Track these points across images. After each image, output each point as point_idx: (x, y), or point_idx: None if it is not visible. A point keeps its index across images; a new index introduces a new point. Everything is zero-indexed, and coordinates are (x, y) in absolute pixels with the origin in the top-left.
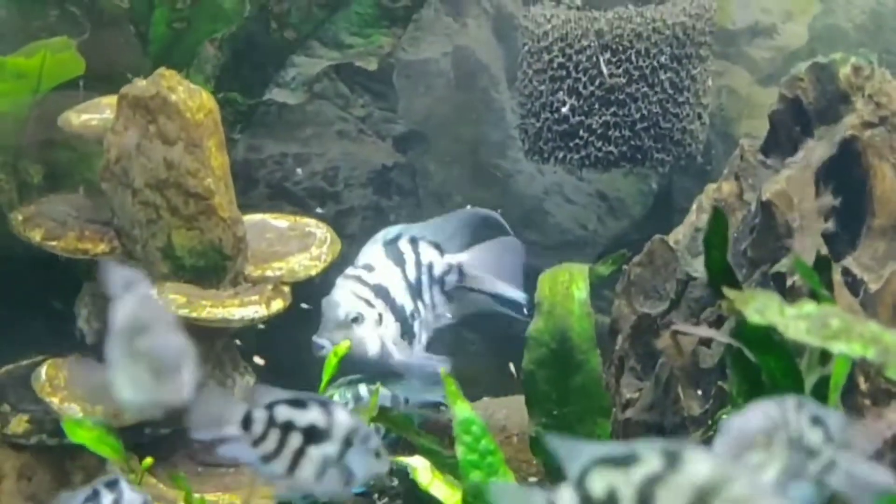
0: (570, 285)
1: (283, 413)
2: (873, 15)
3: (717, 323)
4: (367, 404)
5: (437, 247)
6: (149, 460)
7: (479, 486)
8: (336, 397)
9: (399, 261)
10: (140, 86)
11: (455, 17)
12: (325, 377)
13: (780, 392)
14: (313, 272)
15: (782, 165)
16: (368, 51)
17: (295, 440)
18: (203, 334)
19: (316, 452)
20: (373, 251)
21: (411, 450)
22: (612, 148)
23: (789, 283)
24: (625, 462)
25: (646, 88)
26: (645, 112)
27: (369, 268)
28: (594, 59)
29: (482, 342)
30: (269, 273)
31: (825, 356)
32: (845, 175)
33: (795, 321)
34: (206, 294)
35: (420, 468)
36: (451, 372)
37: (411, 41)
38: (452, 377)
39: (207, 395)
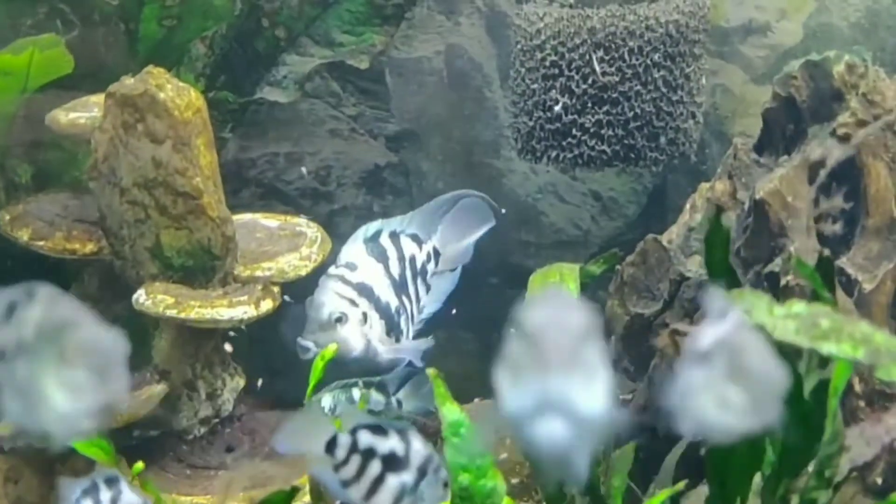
0: (560, 285)
1: (366, 439)
2: (868, 13)
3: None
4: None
5: (417, 238)
6: (140, 465)
7: (468, 488)
8: (328, 400)
9: (381, 257)
10: (128, 83)
11: (448, 15)
12: (313, 380)
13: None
14: (303, 272)
15: (776, 164)
16: (360, 49)
17: (375, 467)
18: (192, 335)
19: (394, 481)
20: (354, 249)
21: None
22: (605, 147)
23: (783, 282)
24: None
25: (639, 87)
26: (638, 111)
27: (352, 266)
28: (587, 57)
29: (476, 342)
30: (258, 273)
31: (825, 359)
32: (839, 173)
33: (784, 321)
34: (194, 294)
35: None
36: (442, 371)
37: (404, 39)
38: (442, 378)
39: (300, 414)
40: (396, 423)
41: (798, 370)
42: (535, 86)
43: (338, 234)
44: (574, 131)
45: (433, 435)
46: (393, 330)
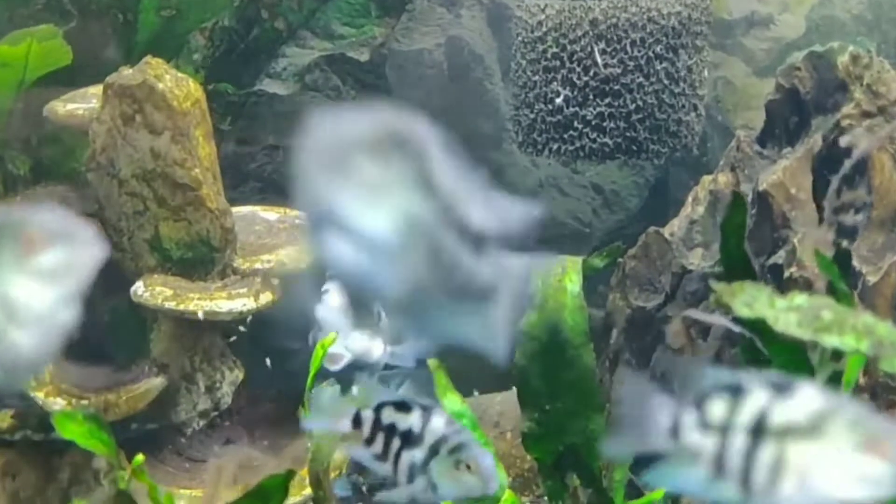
0: (563, 278)
1: (388, 415)
2: (871, 5)
3: (702, 335)
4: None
5: None
6: (140, 457)
7: None
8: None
9: None
10: (126, 74)
11: (449, 7)
12: (313, 370)
13: None
14: (303, 264)
15: (779, 156)
16: (361, 41)
17: (395, 443)
18: (191, 327)
19: (406, 457)
20: None
21: None
22: (606, 139)
23: (786, 274)
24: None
25: (641, 79)
26: (640, 103)
27: None
28: (589, 49)
29: None
30: (258, 265)
31: (838, 351)
32: (842, 165)
33: (786, 314)
34: (193, 287)
35: None
36: (442, 367)
37: (404, 32)
38: (443, 370)
39: (323, 392)
40: (422, 400)
41: (810, 362)
42: (537, 78)
43: None
44: (576, 123)
45: None
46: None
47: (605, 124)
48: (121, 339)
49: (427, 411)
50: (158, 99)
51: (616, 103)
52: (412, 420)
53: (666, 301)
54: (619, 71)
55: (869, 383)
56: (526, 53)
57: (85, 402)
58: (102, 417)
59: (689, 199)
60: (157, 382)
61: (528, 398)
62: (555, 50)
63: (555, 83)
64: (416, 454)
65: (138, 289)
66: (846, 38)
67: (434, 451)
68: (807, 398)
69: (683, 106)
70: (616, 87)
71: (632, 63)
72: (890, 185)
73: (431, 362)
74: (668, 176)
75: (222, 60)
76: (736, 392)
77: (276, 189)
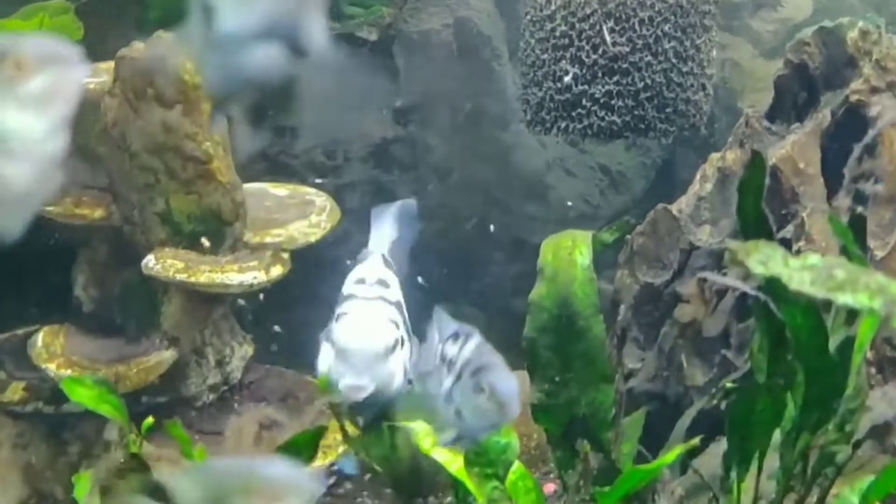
0: (573, 251)
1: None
2: None
3: (722, 292)
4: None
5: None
6: (150, 419)
7: (482, 444)
8: None
9: (392, 269)
10: (138, 47)
11: None
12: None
13: (802, 350)
14: (313, 239)
15: (787, 131)
16: (369, 21)
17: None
18: (201, 300)
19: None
20: (375, 263)
21: None
22: (615, 118)
23: (795, 248)
24: None
25: (649, 58)
26: (648, 81)
27: (384, 283)
28: (597, 27)
29: (482, 316)
30: (268, 240)
31: (852, 315)
32: (851, 140)
33: (800, 272)
34: (204, 259)
35: (422, 433)
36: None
37: (412, 12)
38: None
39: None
40: (466, 327)
41: (825, 324)
42: (546, 56)
43: (345, 209)
44: (584, 102)
45: None
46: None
47: (613, 103)
48: (131, 313)
49: (465, 337)
50: (170, 72)
51: (624, 81)
52: (454, 349)
53: (674, 277)
54: (627, 49)
55: (876, 358)
56: (535, 32)
57: (97, 373)
58: (111, 382)
59: (698, 176)
60: (167, 355)
61: (537, 370)
62: (563, 28)
63: (563, 61)
64: (448, 381)
65: (149, 261)
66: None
67: (459, 376)
68: None
69: (692, 85)
70: (624, 66)
71: (640, 41)
72: None
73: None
74: (675, 158)
75: None
76: None
77: (282, 169)
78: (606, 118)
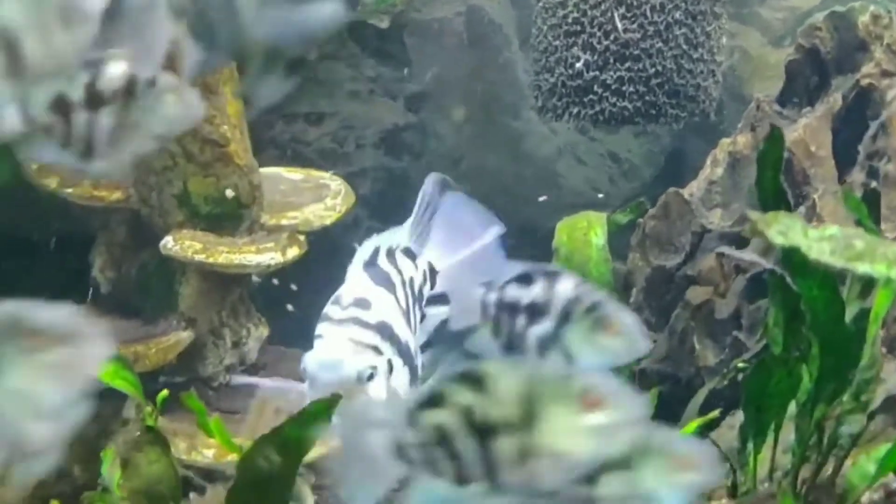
0: (588, 232)
1: (511, 293)
2: None
3: (733, 274)
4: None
5: (410, 254)
6: (164, 392)
7: None
8: None
9: (389, 285)
10: None
11: None
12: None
13: (817, 322)
14: (328, 221)
15: (799, 115)
16: (381, 9)
17: (521, 321)
18: (218, 282)
19: (534, 332)
20: (359, 279)
21: None
22: (626, 103)
23: None
24: None
25: (660, 44)
26: (659, 68)
27: (364, 303)
28: (609, 14)
29: None
30: (284, 222)
31: (867, 289)
32: (862, 123)
33: (819, 242)
34: (222, 241)
35: None
36: None
37: (424, 0)
38: None
39: None
40: (543, 266)
41: (841, 296)
42: (558, 43)
43: (356, 196)
44: (595, 88)
45: None
46: (413, 376)
47: (624, 88)
48: (149, 294)
49: (551, 277)
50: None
51: (636, 68)
52: (535, 291)
53: (685, 260)
54: (638, 36)
55: (886, 337)
56: (547, 19)
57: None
58: (127, 358)
59: (708, 160)
60: (185, 336)
61: None
62: (575, 15)
63: (575, 48)
64: (545, 325)
65: (167, 242)
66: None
67: (565, 316)
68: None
69: (702, 71)
70: (636, 52)
71: (651, 28)
72: None
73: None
74: (684, 145)
75: None
76: None
77: (294, 156)
78: (618, 104)
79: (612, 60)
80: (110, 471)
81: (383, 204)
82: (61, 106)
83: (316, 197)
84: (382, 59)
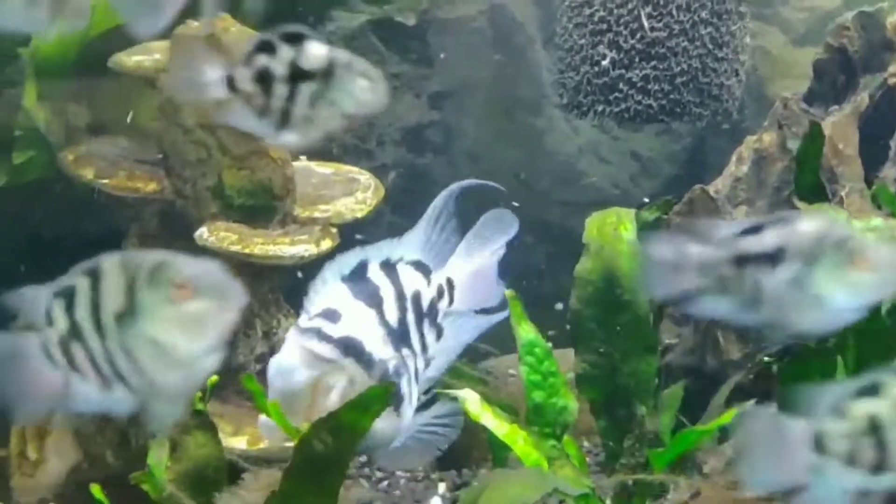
0: (618, 226)
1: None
2: None
3: None
4: None
5: (422, 267)
6: (214, 377)
7: (541, 406)
8: None
9: (373, 299)
10: (195, 27)
11: None
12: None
13: None
14: (359, 215)
15: (826, 114)
16: (408, 6)
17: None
18: (251, 274)
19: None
20: (334, 291)
21: None
22: (651, 101)
23: None
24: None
25: (686, 43)
26: (685, 66)
27: (332, 315)
28: (635, 12)
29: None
30: (316, 214)
31: None
32: (889, 122)
33: (863, 234)
34: (256, 232)
35: (470, 400)
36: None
37: None
38: (519, 299)
39: None
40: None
41: None
42: (583, 41)
43: None
44: (621, 85)
45: None
46: (391, 398)
47: (649, 86)
48: None
49: (785, 220)
50: (225, 50)
51: (661, 66)
52: (769, 238)
53: None
54: (665, 34)
55: None
56: (573, 17)
57: None
58: None
59: (733, 158)
60: None
61: (582, 341)
62: (602, 13)
63: (601, 46)
64: (788, 270)
65: (203, 233)
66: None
67: (811, 257)
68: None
69: (726, 70)
70: (661, 51)
71: (678, 27)
72: None
73: (508, 292)
74: (705, 143)
75: (274, 22)
76: None
77: (318, 151)
78: (643, 102)
79: (637, 59)
80: (158, 453)
81: (405, 200)
82: (265, 77)
83: (346, 191)
84: (407, 56)
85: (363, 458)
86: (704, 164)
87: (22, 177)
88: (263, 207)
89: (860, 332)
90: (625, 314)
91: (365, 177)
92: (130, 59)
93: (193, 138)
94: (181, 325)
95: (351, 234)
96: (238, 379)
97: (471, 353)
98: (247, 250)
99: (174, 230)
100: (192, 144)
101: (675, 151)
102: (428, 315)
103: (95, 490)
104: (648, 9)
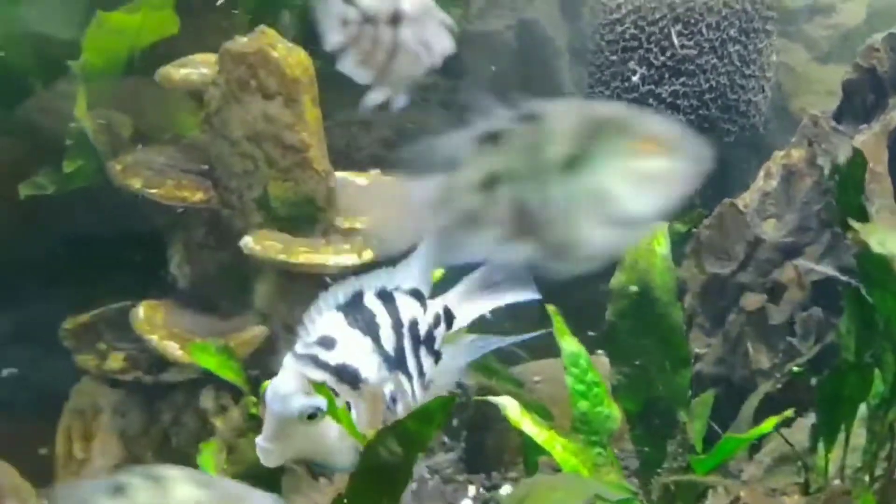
0: (651, 241)
1: None
2: None
3: (783, 285)
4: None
5: (419, 296)
6: (267, 383)
7: (587, 414)
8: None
9: (369, 327)
10: (242, 41)
11: None
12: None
13: (892, 331)
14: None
15: (855, 132)
16: None
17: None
18: (293, 280)
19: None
20: (330, 319)
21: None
22: (680, 117)
23: None
24: None
25: (715, 60)
26: (713, 83)
27: (328, 343)
28: (666, 30)
29: (539, 309)
30: (357, 225)
31: None
32: None
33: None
34: (300, 241)
35: (510, 407)
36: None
37: (478, 13)
38: (561, 314)
39: None
40: None
41: None
42: (614, 57)
43: None
44: (650, 101)
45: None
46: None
47: (679, 102)
48: (225, 290)
49: None
50: (272, 66)
51: (690, 83)
52: None
53: (739, 268)
54: (694, 52)
55: None
56: (605, 35)
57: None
58: (232, 349)
59: (762, 173)
60: (260, 330)
61: (618, 353)
62: (633, 31)
63: (632, 62)
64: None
65: (248, 242)
66: None
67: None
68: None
69: (753, 87)
70: (691, 68)
71: (707, 45)
72: None
73: (550, 308)
74: (730, 158)
75: (309, 38)
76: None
77: (347, 162)
78: (672, 117)
79: (667, 75)
80: (210, 456)
81: None
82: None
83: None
84: (436, 69)
85: None
86: (729, 178)
87: (70, 185)
88: (307, 218)
89: None
90: (659, 326)
91: None
92: (178, 73)
93: (240, 150)
94: (637, 181)
95: None
96: None
97: (503, 356)
98: (291, 259)
99: (220, 239)
100: (239, 156)
101: None
102: (425, 342)
103: None
104: (679, 27)
